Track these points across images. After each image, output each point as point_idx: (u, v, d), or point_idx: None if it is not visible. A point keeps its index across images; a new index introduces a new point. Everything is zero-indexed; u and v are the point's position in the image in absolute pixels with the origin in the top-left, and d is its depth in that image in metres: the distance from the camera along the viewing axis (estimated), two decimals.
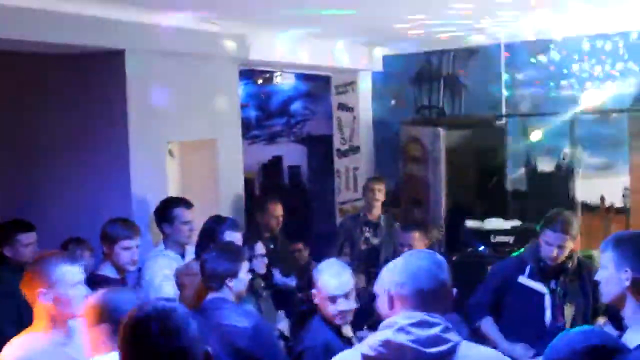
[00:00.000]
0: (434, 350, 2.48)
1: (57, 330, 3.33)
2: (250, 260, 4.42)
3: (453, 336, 2.54)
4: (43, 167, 5.98)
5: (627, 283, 3.08)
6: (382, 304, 2.93)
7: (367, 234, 6.99)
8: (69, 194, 5.83)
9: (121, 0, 5.10)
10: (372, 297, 6.35)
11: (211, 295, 3.91)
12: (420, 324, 2.52)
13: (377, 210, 7.09)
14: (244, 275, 4.01)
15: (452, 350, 2.51)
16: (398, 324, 2.52)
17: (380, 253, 6.85)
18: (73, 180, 5.83)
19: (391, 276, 2.77)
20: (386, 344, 2.51)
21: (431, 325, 2.52)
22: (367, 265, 6.61)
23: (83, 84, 5.81)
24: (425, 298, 2.59)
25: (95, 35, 5.34)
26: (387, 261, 6.39)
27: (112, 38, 5.48)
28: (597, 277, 3.26)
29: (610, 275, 3.14)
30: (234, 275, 3.92)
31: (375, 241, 6.96)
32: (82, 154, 5.81)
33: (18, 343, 3.29)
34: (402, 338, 2.49)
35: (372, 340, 2.55)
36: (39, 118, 6.01)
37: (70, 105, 5.87)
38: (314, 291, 3.76)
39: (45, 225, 5.21)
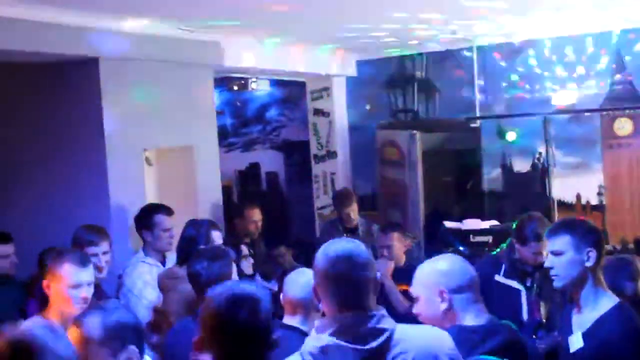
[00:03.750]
0: (373, 344, 2.45)
1: (61, 322, 3.39)
2: (237, 262, 4.40)
3: (389, 323, 2.51)
4: (20, 178, 5.93)
5: (590, 263, 3.25)
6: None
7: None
8: (46, 203, 5.79)
9: (95, 8, 5.07)
10: None
11: None
12: (354, 320, 2.49)
13: (353, 218, 7.10)
14: (236, 277, 3.98)
15: (390, 338, 2.48)
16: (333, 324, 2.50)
17: None
18: (50, 189, 5.79)
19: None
20: (325, 348, 2.46)
21: (364, 321, 2.49)
22: None
23: (58, 93, 5.77)
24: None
25: (70, 43, 5.31)
26: None
27: (87, 46, 5.46)
28: (549, 264, 3.36)
29: (570, 259, 3.27)
30: (229, 278, 3.87)
31: None
32: (59, 163, 5.77)
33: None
34: (339, 339, 2.46)
35: (311, 346, 2.51)
36: (15, 128, 5.97)
37: (46, 114, 5.83)
38: (281, 296, 3.75)
39: (23, 236, 5.16)
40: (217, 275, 3.83)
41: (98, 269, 4.54)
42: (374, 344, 2.44)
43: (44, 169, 5.84)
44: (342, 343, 2.44)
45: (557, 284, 3.37)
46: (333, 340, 2.46)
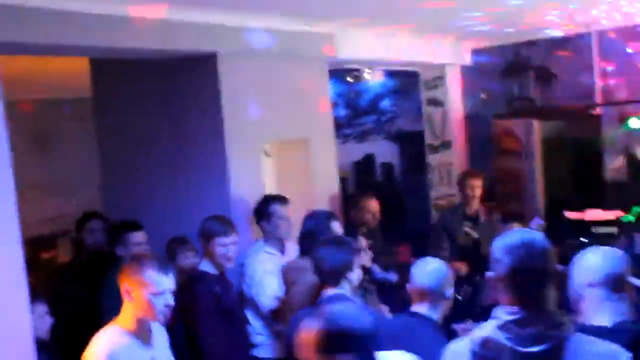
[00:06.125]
0: (534, 349, 2.33)
1: (139, 329, 3.44)
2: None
3: (562, 331, 2.37)
4: (145, 171, 6.14)
5: None
6: None
7: (467, 228, 6.87)
8: (170, 195, 5.97)
9: (212, 4, 5.19)
10: (474, 290, 6.28)
11: (330, 292, 3.85)
12: (521, 321, 2.38)
13: (475, 204, 6.98)
14: (358, 268, 4.00)
15: (559, 347, 2.34)
16: (500, 319, 2.42)
17: (481, 247, 6.75)
18: (174, 181, 5.97)
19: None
20: (486, 341, 2.43)
21: (534, 321, 2.37)
22: (468, 259, 6.53)
23: (179, 88, 5.93)
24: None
25: (188, 40, 5.44)
26: (487, 255, 6.42)
27: (204, 42, 5.58)
28: None
29: None
30: (351, 268, 3.90)
31: (475, 235, 6.84)
32: (182, 156, 5.94)
33: (105, 337, 3.39)
34: (501, 336, 2.38)
35: (476, 335, 2.48)
36: (138, 123, 6.19)
37: (168, 110, 6.00)
38: (408, 285, 3.76)
39: (149, 226, 5.33)
40: (341, 262, 3.87)
41: (228, 259, 4.70)
42: (534, 348, 2.33)
43: (167, 162, 6.02)
44: (502, 340, 2.37)
45: None
46: (496, 333, 2.40)
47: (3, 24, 4.09)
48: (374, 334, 2.58)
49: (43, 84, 8.19)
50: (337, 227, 4.92)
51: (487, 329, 2.44)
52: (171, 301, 3.43)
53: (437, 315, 3.67)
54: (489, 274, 2.52)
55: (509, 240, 2.49)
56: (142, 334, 3.44)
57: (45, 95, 9.22)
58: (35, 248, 8.09)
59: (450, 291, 3.70)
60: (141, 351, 3.41)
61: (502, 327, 2.39)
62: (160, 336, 3.59)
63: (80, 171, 8.89)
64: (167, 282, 3.43)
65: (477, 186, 6.91)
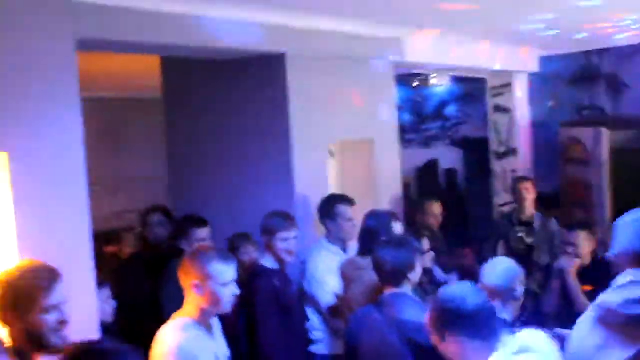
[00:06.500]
0: (635, 312, 2.62)
1: (204, 320, 3.45)
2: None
3: None
4: (212, 168, 6.22)
5: None
6: None
7: (521, 234, 6.81)
8: (236, 193, 6.03)
9: (282, 5, 5.23)
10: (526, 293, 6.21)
11: (390, 290, 3.83)
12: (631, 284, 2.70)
13: (529, 210, 6.90)
14: (419, 267, 3.97)
15: None
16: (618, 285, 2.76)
17: (534, 252, 6.67)
18: (239, 179, 6.03)
19: None
20: (601, 304, 2.74)
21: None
22: (522, 265, 6.44)
23: (246, 88, 5.99)
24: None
25: (257, 40, 5.49)
26: (544, 261, 6.34)
27: (274, 42, 5.63)
28: None
29: None
30: (413, 267, 3.89)
31: (529, 240, 6.77)
32: (248, 154, 5.99)
33: (175, 328, 3.40)
34: (613, 299, 2.69)
35: (598, 301, 2.80)
36: (208, 122, 6.26)
37: (236, 109, 6.06)
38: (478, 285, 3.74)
39: (214, 222, 5.39)
40: (403, 262, 3.84)
41: (289, 253, 4.73)
42: (636, 311, 2.61)
43: (233, 160, 6.08)
44: (613, 304, 2.69)
45: None
46: (611, 297, 2.72)
47: (80, 21, 4.18)
48: (482, 312, 2.63)
49: (112, 83, 8.37)
50: (398, 228, 4.90)
51: (606, 295, 2.76)
52: (236, 290, 3.47)
53: (508, 315, 3.65)
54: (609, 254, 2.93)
55: (629, 217, 2.90)
56: (206, 324, 3.47)
57: (114, 93, 9.41)
58: (100, 243, 8.23)
59: (520, 290, 3.68)
60: (208, 341, 3.45)
61: (617, 292, 2.69)
62: (216, 327, 3.62)
63: (146, 168, 9.05)
64: (231, 272, 3.46)
65: (526, 189, 6.86)
